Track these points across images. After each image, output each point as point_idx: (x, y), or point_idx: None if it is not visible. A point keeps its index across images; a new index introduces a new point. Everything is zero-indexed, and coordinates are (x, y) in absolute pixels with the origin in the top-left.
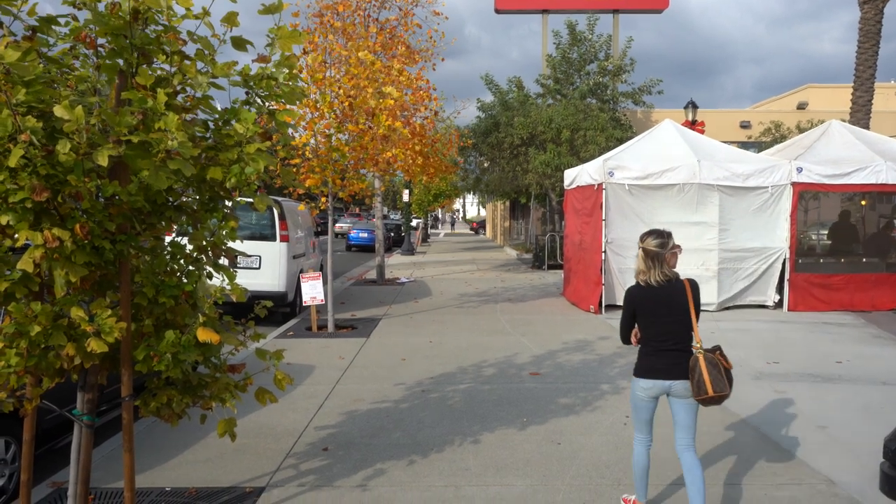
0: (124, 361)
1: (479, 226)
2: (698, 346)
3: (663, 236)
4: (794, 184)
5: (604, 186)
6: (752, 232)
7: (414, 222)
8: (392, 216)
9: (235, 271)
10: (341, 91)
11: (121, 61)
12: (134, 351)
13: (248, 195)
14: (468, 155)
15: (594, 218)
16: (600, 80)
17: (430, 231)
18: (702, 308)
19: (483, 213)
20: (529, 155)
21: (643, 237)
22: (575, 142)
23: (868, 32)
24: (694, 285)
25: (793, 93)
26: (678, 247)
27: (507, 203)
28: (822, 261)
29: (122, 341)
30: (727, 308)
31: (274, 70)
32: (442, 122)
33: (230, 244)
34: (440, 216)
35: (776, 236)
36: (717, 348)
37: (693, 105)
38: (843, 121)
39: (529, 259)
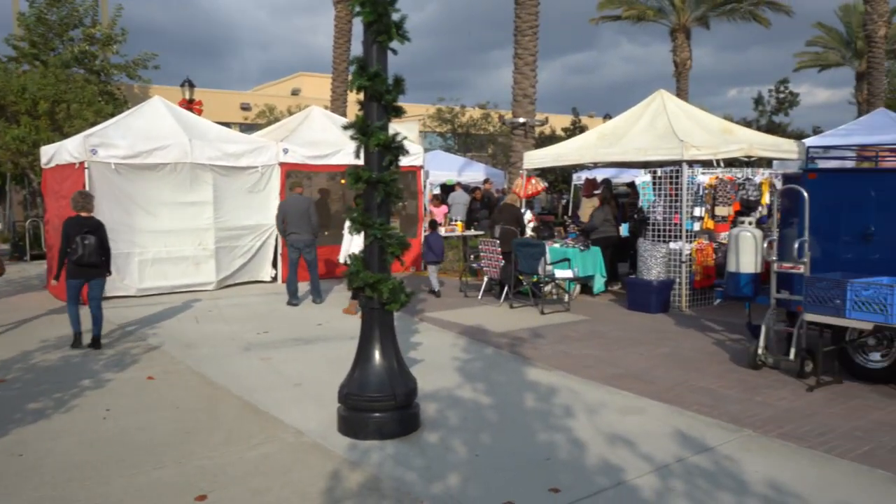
0: None
1: None
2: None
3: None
4: (281, 164)
5: (86, 165)
6: (247, 210)
7: None
8: None
9: None
10: None
11: None
12: None
13: None
14: None
15: None
16: (87, 48)
17: None
18: (200, 288)
19: None
20: None
21: None
22: (56, 115)
23: (341, 30)
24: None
25: (288, 79)
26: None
27: None
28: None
29: None
30: (228, 286)
31: None
32: None
33: None
34: None
35: (269, 214)
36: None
37: (190, 83)
38: (326, 108)
39: (7, 250)
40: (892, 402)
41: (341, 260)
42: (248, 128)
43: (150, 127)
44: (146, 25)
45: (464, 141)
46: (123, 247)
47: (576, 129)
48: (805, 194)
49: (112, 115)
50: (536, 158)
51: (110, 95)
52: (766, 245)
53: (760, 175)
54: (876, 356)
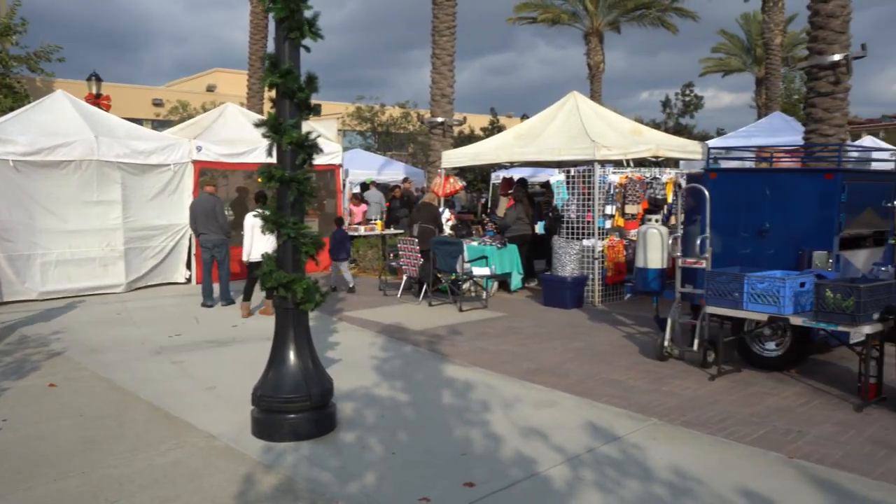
0: None
1: None
2: None
3: None
4: (194, 162)
5: None
6: (159, 210)
7: None
8: None
9: None
10: None
11: None
12: None
13: None
14: None
15: None
16: None
17: None
18: (109, 290)
19: None
20: None
21: None
22: None
23: (258, 26)
24: None
25: (203, 75)
26: None
27: None
28: None
29: None
30: (139, 288)
31: None
32: None
33: None
34: None
35: (182, 214)
36: None
37: (97, 77)
38: (243, 105)
39: None
40: (786, 389)
41: (244, 258)
42: (160, 124)
43: (53, 122)
44: (50, 15)
45: (384, 140)
46: (24, 248)
47: (494, 129)
48: (706, 193)
49: (11, 110)
50: (455, 157)
51: (9, 89)
52: (671, 241)
53: (667, 175)
54: (771, 345)
